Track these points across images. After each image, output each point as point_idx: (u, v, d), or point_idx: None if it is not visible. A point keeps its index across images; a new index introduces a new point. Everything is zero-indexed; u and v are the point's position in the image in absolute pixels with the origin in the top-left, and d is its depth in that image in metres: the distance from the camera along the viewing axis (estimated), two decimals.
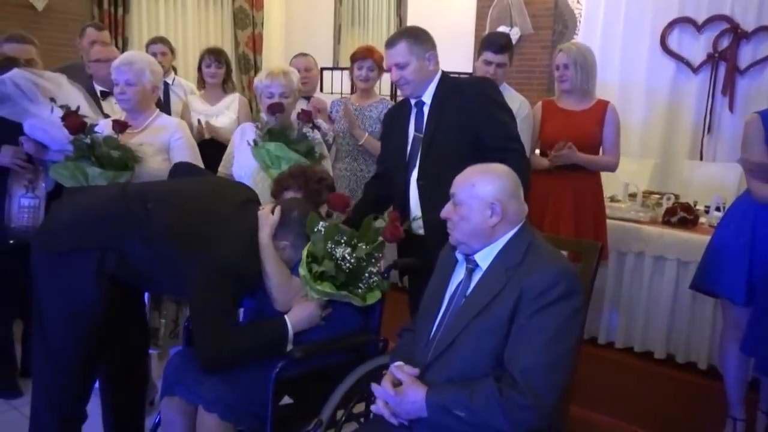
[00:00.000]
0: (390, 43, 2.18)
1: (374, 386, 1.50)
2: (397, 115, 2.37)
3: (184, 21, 5.51)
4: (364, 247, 1.81)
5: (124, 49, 4.87)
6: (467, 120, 2.14)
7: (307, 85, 3.47)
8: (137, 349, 2.13)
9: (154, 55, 3.42)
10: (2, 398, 2.64)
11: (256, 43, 5.91)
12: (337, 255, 1.75)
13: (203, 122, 3.22)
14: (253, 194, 2.00)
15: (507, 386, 1.33)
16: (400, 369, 1.49)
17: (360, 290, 1.79)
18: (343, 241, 1.78)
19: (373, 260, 1.83)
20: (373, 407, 1.50)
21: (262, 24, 5.96)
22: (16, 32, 3.02)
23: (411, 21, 5.53)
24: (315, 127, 2.64)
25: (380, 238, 1.88)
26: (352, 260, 1.75)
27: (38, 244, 1.80)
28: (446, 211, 1.54)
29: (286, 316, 1.74)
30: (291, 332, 1.71)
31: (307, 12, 6.12)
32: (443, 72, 2.26)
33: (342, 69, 5.29)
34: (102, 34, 3.62)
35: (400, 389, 1.44)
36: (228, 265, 1.68)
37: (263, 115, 2.48)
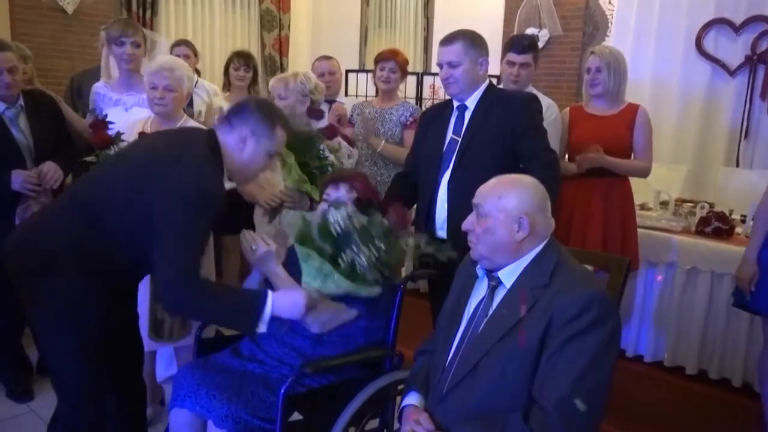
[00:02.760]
0: (447, 41, 2.20)
1: None
2: (438, 115, 2.36)
3: (211, 23, 5.54)
4: (366, 224, 1.75)
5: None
6: (511, 130, 2.15)
7: (331, 89, 3.44)
8: (135, 364, 1.97)
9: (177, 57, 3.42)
10: (18, 401, 2.66)
11: (282, 45, 5.90)
12: (331, 219, 1.73)
13: None
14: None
15: (538, 424, 1.25)
16: (417, 423, 1.39)
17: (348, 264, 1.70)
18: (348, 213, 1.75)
19: (375, 245, 1.73)
20: None
21: (289, 26, 5.95)
22: None
23: (438, 23, 5.47)
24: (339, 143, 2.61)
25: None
26: (345, 224, 1.71)
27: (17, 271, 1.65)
28: (469, 222, 1.45)
29: (269, 292, 1.61)
30: (268, 311, 1.57)
31: (334, 14, 6.10)
32: (490, 81, 2.28)
33: (367, 71, 5.25)
34: None
35: None
36: (189, 185, 1.55)
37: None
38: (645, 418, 2.67)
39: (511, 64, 2.79)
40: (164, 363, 2.67)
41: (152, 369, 2.47)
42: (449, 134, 2.25)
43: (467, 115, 2.23)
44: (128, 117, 2.56)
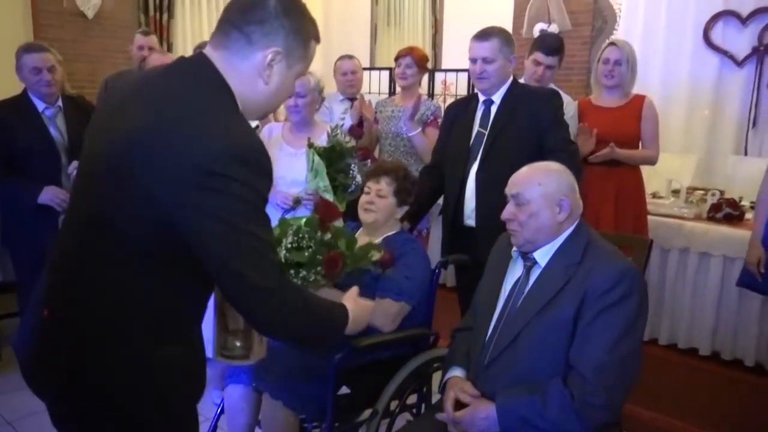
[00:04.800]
0: (483, 36, 2.29)
1: (439, 416, 1.52)
2: (463, 109, 2.47)
3: None
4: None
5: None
6: (536, 123, 2.26)
7: (354, 87, 3.56)
8: None
9: None
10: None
11: None
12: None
13: None
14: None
15: (577, 387, 1.36)
16: (462, 391, 1.50)
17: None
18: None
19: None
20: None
21: None
22: (34, 42, 3.18)
23: (447, 20, 5.56)
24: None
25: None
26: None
27: None
28: (508, 212, 1.53)
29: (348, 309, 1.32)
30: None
31: (344, 12, 6.20)
32: (514, 77, 2.39)
33: (379, 69, 5.36)
34: (149, 39, 3.77)
35: (466, 410, 1.46)
36: (230, 155, 1.01)
37: (343, 125, 2.65)
38: (661, 398, 2.78)
39: (537, 63, 2.87)
40: None
41: None
42: (476, 127, 2.36)
43: (493, 109, 2.34)
44: None
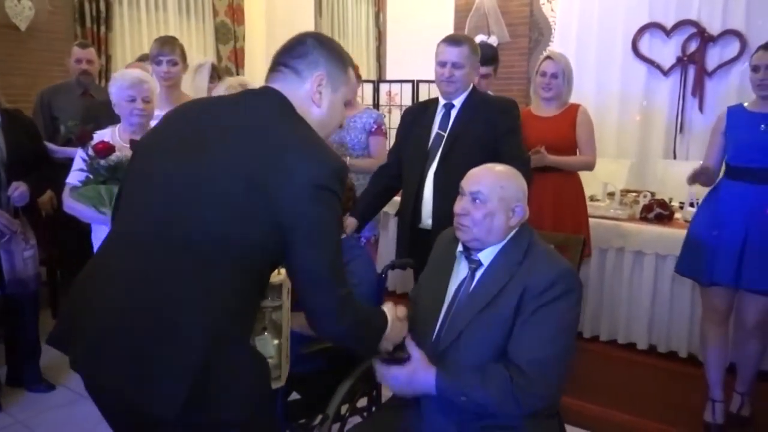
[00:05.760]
0: (456, 42, 2.36)
1: (379, 366, 1.53)
2: (421, 112, 2.54)
3: None
4: None
5: (107, 67, 4.94)
6: (493, 130, 2.34)
7: None
8: None
9: None
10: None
11: (238, 56, 5.99)
12: None
13: None
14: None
15: (516, 374, 1.42)
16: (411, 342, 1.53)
17: None
18: None
19: None
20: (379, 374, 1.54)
21: (244, 38, 6.04)
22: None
23: (390, 32, 5.67)
24: None
25: None
26: None
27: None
28: (463, 207, 1.54)
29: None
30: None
31: (288, 25, 6.21)
32: (473, 85, 2.48)
33: None
34: (87, 52, 3.70)
35: (409, 366, 1.49)
36: (319, 173, 1.19)
37: None
38: (602, 391, 2.90)
39: None
40: None
41: None
42: (435, 130, 2.42)
43: (453, 113, 2.41)
44: None
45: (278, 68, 1.33)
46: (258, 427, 1.24)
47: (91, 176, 2.15)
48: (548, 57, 3.03)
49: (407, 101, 4.89)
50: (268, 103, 1.28)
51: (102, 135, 2.41)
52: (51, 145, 3.20)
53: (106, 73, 4.83)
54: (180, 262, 1.16)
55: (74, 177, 2.27)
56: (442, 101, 2.45)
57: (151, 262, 1.18)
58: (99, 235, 2.39)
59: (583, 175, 3.17)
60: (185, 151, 1.24)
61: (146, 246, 1.20)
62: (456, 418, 1.48)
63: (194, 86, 3.49)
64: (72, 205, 2.30)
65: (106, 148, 2.16)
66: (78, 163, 2.29)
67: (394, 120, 4.86)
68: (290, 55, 1.32)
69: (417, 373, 1.48)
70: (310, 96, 1.31)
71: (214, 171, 1.19)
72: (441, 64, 2.38)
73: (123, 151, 2.31)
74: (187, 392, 1.08)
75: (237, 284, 1.19)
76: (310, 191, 1.18)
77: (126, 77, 2.44)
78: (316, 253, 1.20)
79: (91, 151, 2.19)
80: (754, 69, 2.45)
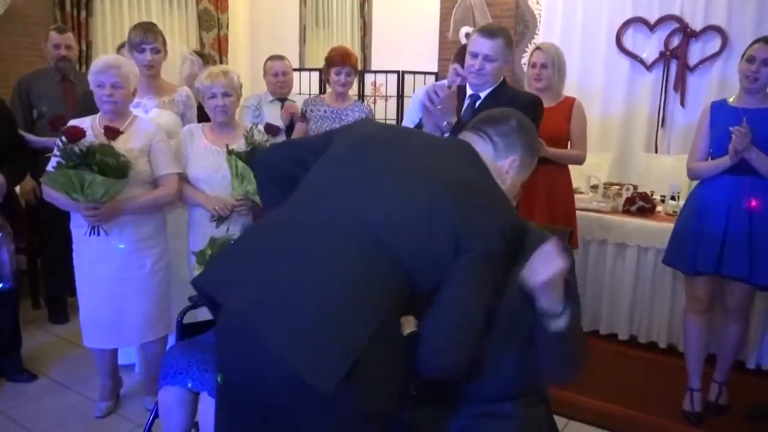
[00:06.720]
0: (490, 35, 2.28)
1: None
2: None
3: None
4: None
5: (88, 53, 4.85)
6: None
7: (284, 88, 3.55)
8: None
9: None
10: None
11: (221, 44, 5.92)
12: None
13: None
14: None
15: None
16: None
17: None
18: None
19: None
20: None
21: (227, 26, 5.97)
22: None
23: (376, 22, 5.63)
24: None
25: None
26: None
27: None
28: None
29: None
30: None
31: (272, 13, 6.16)
32: (504, 78, 2.42)
33: (309, 70, 5.36)
34: (65, 37, 3.62)
35: None
36: (499, 239, 1.27)
37: (259, 128, 2.64)
38: (586, 380, 2.93)
39: (457, 74, 2.94)
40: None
41: (115, 363, 2.52)
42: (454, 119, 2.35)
43: (478, 103, 2.36)
44: (148, 119, 2.62)
45: (480, 135, 1.44)
46: (392, 423, 1.32)
47: (63, 161, 2.12)
48: (538, 48, 3.04)
49: (392, 92, 4.88)
50: (478, 162, 1.39)
51: (82, 122, 2.38)
52: (28, 136, 3.15)
53: (86, 59, 4.75)
54: (374, 257, 1.25)
55: (53, 165, 2.24)
56: (469, 91, 2.40)
57: (345, 252, 1.25)
58: (78, 223, 2.36)
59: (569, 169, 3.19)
60: (405, 163, 1.34)
61: (344, 234, 1.27)
62: (450, 406, 1.48)
63: (182, 77, 3.46)
64: (50, 192, 2.27)
65: (76, 133, 2.15)
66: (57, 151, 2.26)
67: (379, 111, 4.87)
68: (494, 128, 1.44)
69: None
70: (500, 172, 1.42)
71: (427, 200, 1.27)
72: (473, 55, 2.31)
73: (99, 138, 2.28)
74: (346, 371, 1.13)
75: (405, 291, 1.28)
76: (481, 255, 1.27)
77: (98, 63, 2.40)
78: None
79: (63, 137, 2.16)
80: (749, 59, 2.42)
